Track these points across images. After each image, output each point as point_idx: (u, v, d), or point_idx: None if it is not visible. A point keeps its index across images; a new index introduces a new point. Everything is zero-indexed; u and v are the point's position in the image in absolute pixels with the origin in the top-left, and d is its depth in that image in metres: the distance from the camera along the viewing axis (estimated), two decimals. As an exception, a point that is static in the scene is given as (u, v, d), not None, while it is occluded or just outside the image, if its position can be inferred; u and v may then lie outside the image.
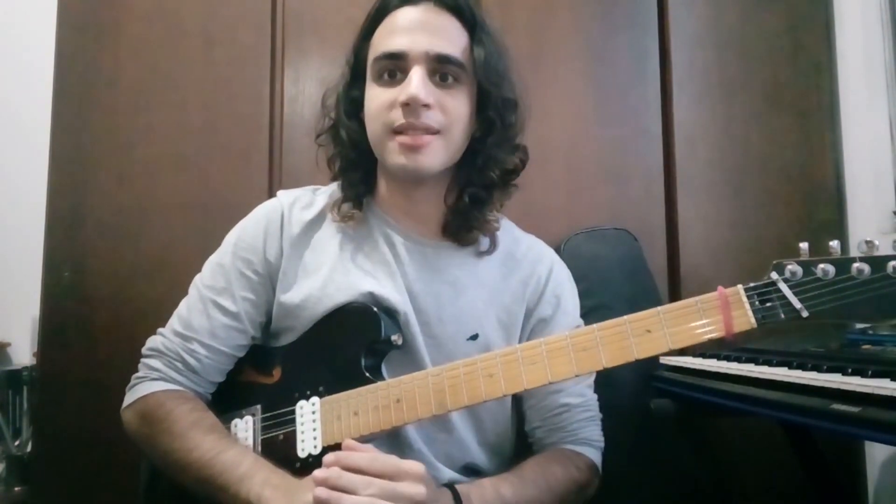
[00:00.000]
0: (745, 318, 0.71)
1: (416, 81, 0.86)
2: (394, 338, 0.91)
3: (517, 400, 1.02)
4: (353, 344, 0.90)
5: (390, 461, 0.77)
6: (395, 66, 0.89)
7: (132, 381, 0.94)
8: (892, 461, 1.43)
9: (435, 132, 0.89)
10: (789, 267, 0.69)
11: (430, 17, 0.90)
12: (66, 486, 1.27)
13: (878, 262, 0.65)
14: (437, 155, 0.90)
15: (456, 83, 0.90)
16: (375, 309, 0.91)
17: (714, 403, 1.02)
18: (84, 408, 1.27)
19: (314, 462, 0.86)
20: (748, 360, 1.02)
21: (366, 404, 0.85)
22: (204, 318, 0.94)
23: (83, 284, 1.33)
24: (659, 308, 0.75)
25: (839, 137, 1.60)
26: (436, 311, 0.95)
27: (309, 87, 1.46)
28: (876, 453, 1.46)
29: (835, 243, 0.68)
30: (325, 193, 1.02)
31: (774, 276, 0.70)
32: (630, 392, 1.28)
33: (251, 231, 0.98)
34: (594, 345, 0.76)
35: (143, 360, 0.95)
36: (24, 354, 1.66)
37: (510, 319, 0.99)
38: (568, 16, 1.55)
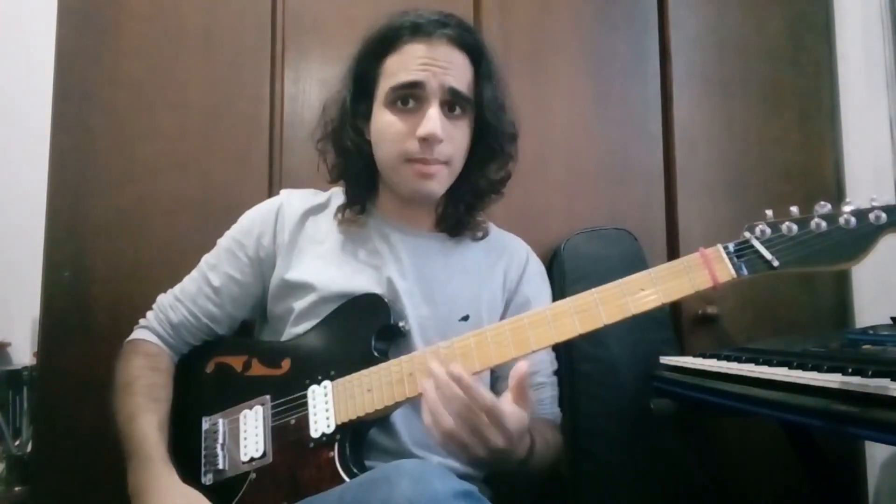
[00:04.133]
0: (726, 271, 0.80)
1: (435, 118, 0.94)
2: (401, 324, 0.98)
3: (493, 380, 1.09)
4: (363, 329, 0.96)
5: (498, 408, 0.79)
6: (410, 95, 0.96)
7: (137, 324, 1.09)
8: (892, 461, 1.43)
9: (444, 163, 0.98)
10: (759, 227, 0.80)
11: (443, 52, 0.96)
12: (66, 486, 1.27)
13: (831, 217, 0.76)
14: (444, 182, 1.01)
15: (462, 115, 0.99)
16: (384, 297, 0.98)
17: (714, 403, 1.03)
18: (84, 408, 1.26)
19: (328, 440, 0.90)
20: (748, 360, 1.02)
21: (379, 381, 0.90)
22: (194, 285, 1.07)
23: (83, 284, 1.33)
24: (649, 270, 0.84)
25: (839, 137, 1.60)
26: (429, 294, 1.03)
27: (309, 87, 1.46)
28: (876, 453, 1.46)
29: (794, 209, 0.80)
30: (325, 194, 1.12)
31: (747, 234, 0.81)
32: (630, 392, 1.28)
33: (250, 217, 1.09)
34: (594, 305, 0.84)
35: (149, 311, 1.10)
36: (24, 354, 1.65)
37: (495, 303, 1.08)
38: (568, 16, 1.55)
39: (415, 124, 0.95)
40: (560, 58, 1.54)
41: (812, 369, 0.87)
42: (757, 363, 0.99)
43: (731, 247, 0.81)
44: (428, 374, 0.81)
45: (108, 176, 1.37)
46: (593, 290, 0.85)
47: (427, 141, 0.94)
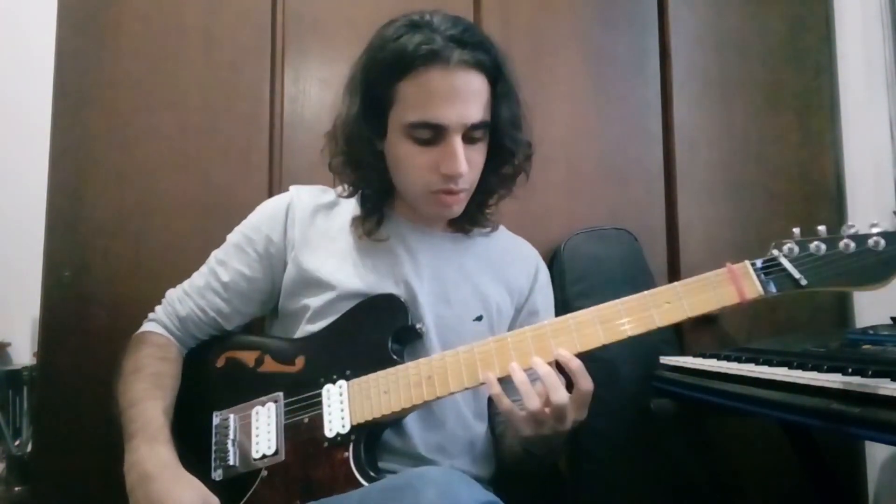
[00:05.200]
0: (753, 288, 0.80)
1: (460, 156, 0.93)
2: (418, 326, 0.98)
3: None
4: (380, 330, 0.96)
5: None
6: (432, 132, 0.93)
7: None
8: (892, 461, 1.43)
9: (466, 189, 0.99)
10: (787, 245, 0.79)
11: (463, 81, 0.92)
12: (66, 486, 1.27)
13: (860, 239, 0.75)
14: (464, 203, 1.01)
15: (481, 138, 0.97)
16: (402, 298, 0.98)
17: (714, 403, 1.03)
18: (84, 408, 1.26)
19: (343, 440, 0.90)
20: (748, 360, 1.02)
21: (396, 383, 0.90)
22: (202, 280, 1.07)
23: (83, 284, 1.33)
24: (675, 283, 0.84)
25: (839, 137, 1.60)
26: (444, 295, 1.03)
27: (309, 87, 1.46)
28: (876, 453, 1.46)
29: (822, 228, 0.78)
30: (334, 192, 1.10)
31: (776, 252, 0.80)
32: (630, 392, 1.28)
33: (260, 213, 1.09)
34: (619, 316, 0.84)
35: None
36: (24, 354, 1.65)
37: (505, 305, 1.08)
38: (568, 16, 1.55)
39: (436, 158, 0.94)
40: (560, 58, 1.54)
41: (812, 369, 0.87)
42: (757, 363, 0.99)
43: (759, 263, 0.81)
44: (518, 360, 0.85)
45: (108, 176, 1.37)
46: (618, 300, 0.85)
47: (452, 176, 0.94)
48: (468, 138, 0.94)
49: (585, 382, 0.84)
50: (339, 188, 1.07)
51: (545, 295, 1.14)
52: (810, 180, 1.57)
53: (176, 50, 1.42)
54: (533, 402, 0.82)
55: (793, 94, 1.59)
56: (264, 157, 1.42)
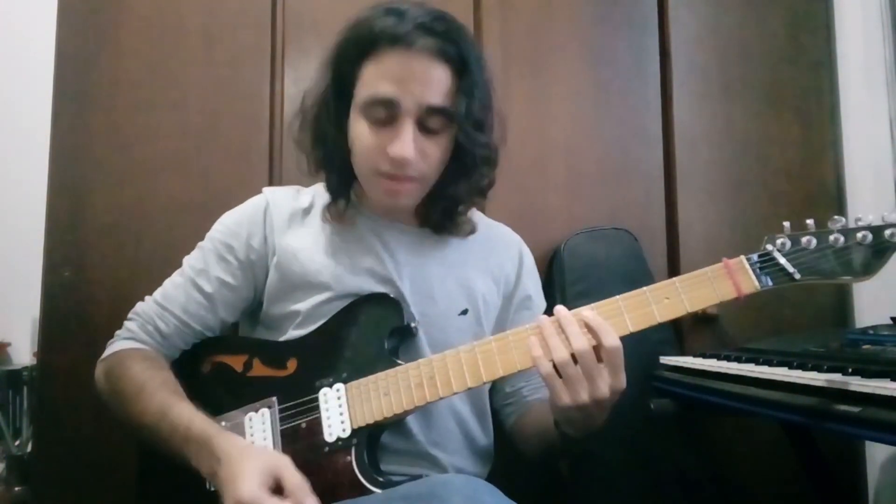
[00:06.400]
0: (749, 282, 0.81)
1: (407, 140, 0.90)
2: (413, 324, 0.96)
3: (492, 391, 1.10)
4: (375, 330, 0.94)
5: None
6: (385, 111, 0.91)
7: (113, 338, 1.02)
8: (892, 461, 1.43)
9: (415, 179, 0.95)
10: (780, 240, 0.81)
11: (423, 66, 0.90)
12: (66, 486, 1.27)
13: (849, 233, 0.78)
14: (415, 196, 0.98)
15: (439, 129, 0.93)
16: (394, 297, 0.96)
17: (714, 403, 1.03)
18: (84, 408, 1.26)
19: (344, 444, 0.88)
20: (748, 360, 1.02)
21: (397, 384, 0.89)
22: (181, 292, 1.01)
23: (83, 284, 1.33)
24: (674, 279, 0.84)
25: (839, 137, 1.60)
26: (427, 291, 1.01)
27: (309, 87, 1.45)
28: (876, 453, 1.46)
29: (810, 221, 0.80)
30: (309, 193, 1.08)
31: (770, 247, 0.82)
32: (630, 392, 1.27)
33: (235, 218, 1.04)
34: (619, 312, 0.83)
35: (126, 321, 1.03)
36: (24, 354, 1.65)
37: (491, 295, 1.06)
38: (568, 16, 1.55)
39: (387, 140, 0.91)
40: (560, 58, 1.54)
41: (812, 369, 0.88)
42: (757, 363, 1.00)
43: (755, 258, 0.82)
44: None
45: (108, 176, 1.37)
46: (617, 297, 0.84)
47: (397, 160, 0.91)
48: (424, 127, 0.92)
49: (610, 338, 0.79)
50: (313, 186, 1.03)
51: (534, 279, 1.13)
52: (810, 180, 1.57)
53: (176, 50, 1.42)
54: (580, 342, 0.78)
55: (793, 94, 1.59)
56: (264, 157, 1.42)
